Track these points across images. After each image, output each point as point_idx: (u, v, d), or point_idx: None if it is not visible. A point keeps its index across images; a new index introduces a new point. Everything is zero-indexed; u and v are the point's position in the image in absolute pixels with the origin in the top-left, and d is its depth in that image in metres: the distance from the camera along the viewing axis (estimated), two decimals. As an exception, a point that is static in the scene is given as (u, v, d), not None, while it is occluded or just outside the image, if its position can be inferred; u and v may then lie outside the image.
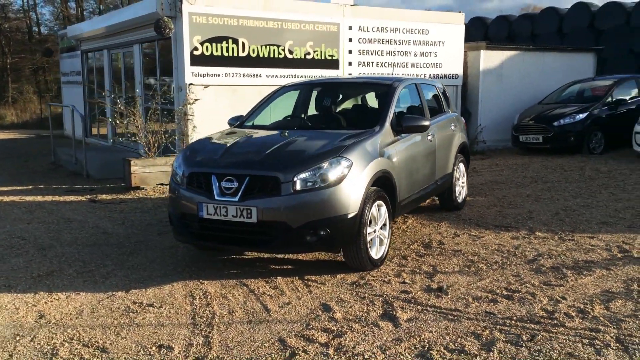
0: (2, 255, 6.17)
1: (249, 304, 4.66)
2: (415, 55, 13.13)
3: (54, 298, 4.88)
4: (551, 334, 3.97)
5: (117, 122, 10.96)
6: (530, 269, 5.38)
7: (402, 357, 3.70)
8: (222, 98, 10.90)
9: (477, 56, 13.85)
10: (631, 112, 12.97)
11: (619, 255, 5.70)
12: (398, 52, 12.88)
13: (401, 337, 3.99)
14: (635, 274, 5.14)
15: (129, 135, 12.41)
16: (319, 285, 5.05)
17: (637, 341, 3.85)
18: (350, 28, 12.22)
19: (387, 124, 5.91)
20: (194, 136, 10.38)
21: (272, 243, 5.05)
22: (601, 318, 4.23)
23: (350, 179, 5.06)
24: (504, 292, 4.79)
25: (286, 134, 5.85)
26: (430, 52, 13.31)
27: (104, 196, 9.34)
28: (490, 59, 13.92)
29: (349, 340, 3.96)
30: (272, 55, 11.37)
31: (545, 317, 4.27)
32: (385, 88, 6.45)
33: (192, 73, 10.64)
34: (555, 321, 4.19)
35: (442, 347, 3.81)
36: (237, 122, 6.77)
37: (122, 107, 10.37)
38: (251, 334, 4.10)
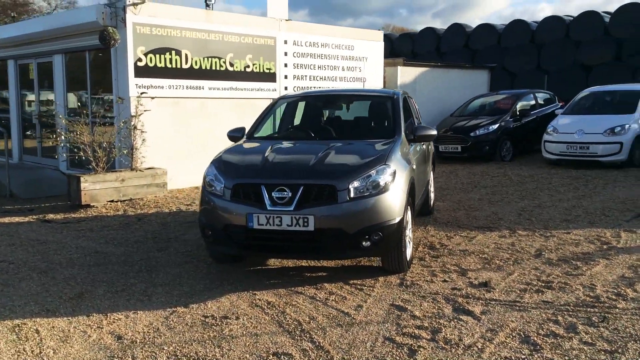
0: (5, 280, 5.71)
1: (322, 310, 4.77)
2: (343, 69, 13.65)
3: (114, 319, 4.66)
4: (614, 315, 4.52)
5: (54, 136, 10.28)
6: (543, 262, 5.98)
7: (509, 344, 4.05)
8: (164, 111, 10.64)
9: (394, 71, 14.67)
10: (532, 123, 14.44)
11: (605, 247, 6.49)
12: (328, 66, 13.32)
13: (492, 328, 4.33)
14: (632, 262, 5.90)
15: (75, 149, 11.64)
16: (370, 289, 5.26)
17: (685, 315, 4.51)
18: (285, 42, 12.46)
19: (403, 134, 6.28)
20: (144, 150, 10.06)
21: (329, 250, 5.19)
22: (638, 297, 4.87)
23: (395, 186, 5.35)
24: (541, 284, 5.30)
25: (318, 144, 6.01)
26: (355, 67, 13.90)
27: (52, 216, 8.78)
28: (406, 74, 14.81)
29: (449, 334, 4.24)
30: (213, 68, 11.31)
31: (594, 301, 4.82)
32: (389, 100, 6.82)
33: (137, 85, 10.30)
34: (607, 304, 4.76)
35: (536, 333, 4.21)
36: (240, 133, 6.77)
37: (65, 121, 9.79)
38: (352, 336, 4.24)
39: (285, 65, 12.50)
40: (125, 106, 10.16)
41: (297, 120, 7.24)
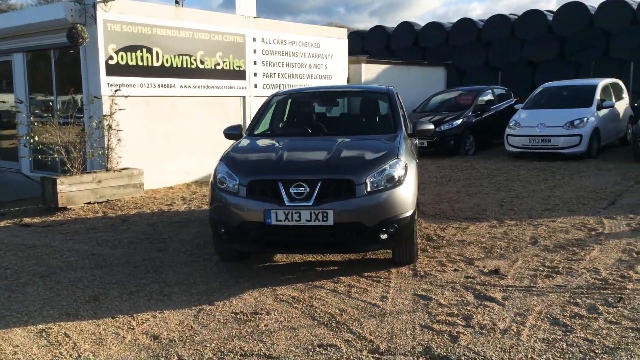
0: (8, 285, 5.51)
1: (348, 302, 4.83)
2: (310, 67, 13.71)
3: (142, 319, 4.59)
4: (628, 295, 4.79)
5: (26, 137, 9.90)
6: (541, 249, 6.24)
7: (542, 327, 4.23)
8: (136, 110, 10.42)
9: (358, 69, 14.84)
10: (491, 118, 14.92)
11: (593, 233, 6.82)
12: (296, 64, 13.35)
13: (519, 312, 4.51)
14: (624, 246, 6.23)
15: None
16: (386, 280, 5.37)
17: (691, 292, 4.83)
18: (254, 40, 12.42)
19: (404, 129, 6.41)
20: (119, 150, 9.83)
21: (349, 243, 5.27)
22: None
23: (408, 179, 5.47)
24: (547, 269, 5.54)
25: (326, 140, 6.07)
26: (321, 65, 13.98)
27: (28, 219, 8.49)
28: (369, 71, 15.01)
29: (481, 320, 4.38)
30: (184, 65, 11.16)
31: (604, 284, 5.08)
32: (385, 95, 6.95)
33: (108, 83, 10.05)
34: (616, 286, 5.03)
35: (562, 315, 4.42)
36: (238, 131, 6.74)
37: (33, 122, 9.47)
38: (389, 325, 4.33)
39: (255, 62, 12.46)
40: (97, 105, 9.89)
41: (295, 117, 7.25)
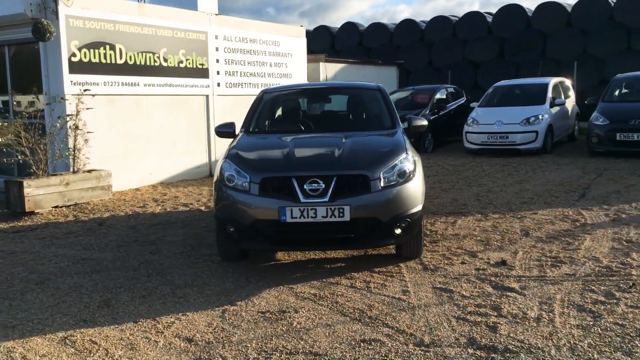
0: (4, 293, 5.20)
1: (371, 297, 4.82)
2: (271, 65, 13.60)
3: (167, 322, 4.43)
4: (636, 281, 5.00)
5: None
6: (536, 240, 6.42)
7: (570, 314, 4.35)
8: (100, 109, 10.02)
9: (317, 67, 14.86)
10: (446, 116, 15.26)
11: (578, 224, 7.09)
12: (257, 62, 13.21)
13: (543, 301, 4.63)
14: (612, 235, 6.51)
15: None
16: (400, 275, 5.39)
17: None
18: (216, 37, 12.21)
19: (401, 125, 6.47)
20: (86, 151, 9.44)
21: (365, 239, 5.26)
22: (643, 266, 5.42)
23: (417, 173, 5.53)
24: (550, 260, 5.71)
25: (330, 136, 6.03)
26: (282, 63, 13.90)
27: (-7, 225, 8.04)
28: (327, 70, 15.05)
29: (511, 309, 4.47)
30: (148, 63, 10.84)
31: (609, 271, 5.29)
32: (377, 91, 6.98)
33: (72, 82, 9.63)
34: (622, 272, 5.24)
35: (584, 302, 4.56)
36: (232, 128, 6.59)
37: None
38: (423, 318, 4.34)
39: (217, 61, 12.25)
40: (60, 105, 9.45)
41: (290, 114, 7.17)
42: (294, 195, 5.13)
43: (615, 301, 4.57)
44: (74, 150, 9.27)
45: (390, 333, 4.11)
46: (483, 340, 3.93)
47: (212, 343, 4.04)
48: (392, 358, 3.74)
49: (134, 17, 10.53)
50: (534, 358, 3.66)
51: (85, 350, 3.97)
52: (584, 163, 11.97)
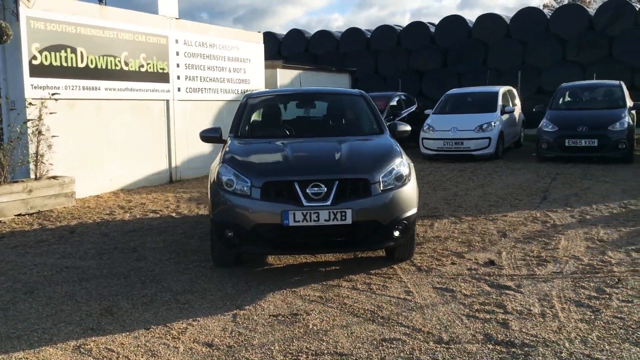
0: (4, 302, 4.99)
1: (378, 298, 4.91)
2: (230, 71, 13.53)
3: (179, 328, 4.38)
4: (622, 275, 5.31)
5: None
6: (515, 241, 6.69)
7: (570, 309, 4.57)
8: (61, 114, 9.69)
9: (274, 74, 14.89)
10: (404, 122, 15.60)
11: (549, 225, 7.43)
12: (216, 67, 13.12)
13: (541, 297, 4.84)
14: (584, 235, 6.86)
15: None
16: (397, 276, 5.50)
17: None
18: (177, 41, 12.05)
19: (387, 129, 6.62)
20: (49, 157, 9.12)
21: (366, 241, 5.35)
22: (619, 260, 5.73)
23: (412, 178, 5.69)
24: (535, 259, 5.97)
25: (324, 141, 6.10)
26: (240, 69, 13.85)
27: (-48, 234, 7.67)
28: (284, 76, 15.11)
29: (515, 306, 4.66)
30: (109, 67, 10.58)
31: (592, 269, 5.58)
32: (361, 97, 7.11)
33: (32, 85, 9.30)
34: (605, 269, 5.54)
35: (580, 298, 4.81)
36: (217, 133, 6.55)
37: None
38: (435, 317, 4.47)
39: (178, 65, 12.09)
40: (18, 109, 9.11)
41: (278, 119, 7.17)
42: (296, 199, 5.17)
43: (607, 296, 4.84)
44: (36, 156, 8.93)
45: (408, 332, 4.21)
46: (499, 336, 4.09)
47: (234, 347, 4.03)
48: (418, 356, 3.83)
49: (95, 20, 10.28)
50: (551, 351, 3.84)
51: (105, 358, 3.88)
52: (536, 168, 12.51)
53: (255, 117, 7.02)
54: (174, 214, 8.78)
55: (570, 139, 12.66)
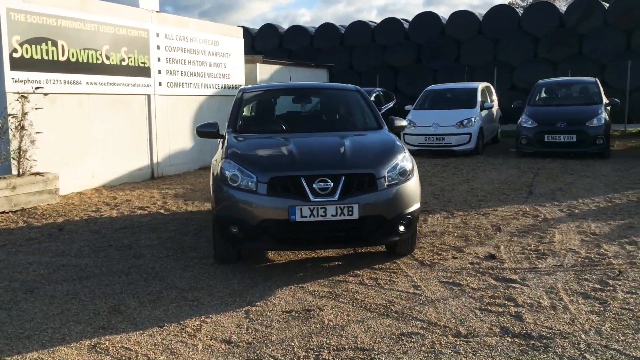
0: (5, 302, 4.85)
1: (387, 293, 4.92)
2: (210, 65, 13.39)
3: (193, 326, 4.32)
4: (621, 268, 5.43)
5: None
6: (510, 235, 6.77)
7: (579, 301, 4.66)
8: (42, 109, 9.43)
9: (254, 68, 14.78)
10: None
11: (540, 219, 7.54)
12: (197, 61, 12.97)
13: (548, 290, 4.91)
14: (576, 228, 6.99)
15: None
16: (401, 271, 5.52)
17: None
18: (157, 35, 11.86)
19: (385, 125, 6.63)
20: (32, 152, 8.89)
21: (372, 236, 5.36)
22: (615, 253, 5.86)
23: (415, 173, 5.71)
24: (533, 252, 6.06)
25: (326, 135, 6.07)
26: (220, 63, 13.71)
27: None
28: (264, 71, 15.02)
29: (524, 300, 4.71)
30: (90, 61, 10.36)
31: (591, 262, 5.68)
32: (357, 92, 7.10)
33: (13, 79, 9.05)
34: (604, 262, 5.65)
35: (585, 290, 4.90)
36: (215, 128, 6.47)
37: None
38: (448, 311, 4.49)
39: (159, 59, 11.91)
40: (0, 104, 8.85)
41: (274, 114, 7.11)
42: (303, 195, 5.15)
43: (611, 288, 4.94)
44: (19, 152, 8.70)
45: (424, 326, 4.23)
46: (515, 329, 4.14)
47: (253, 343, 3.99)
48: (440, 350, 3.85)
49: (76, 12, 10.05)
50: (569, 342, 3.90)
51: (124, 357, 3.80)
52: (517, 163, 12.71)
53: (252, 111, 6.95)
54: (162, 211, 8.65)
55: (549, 135, 12.89)
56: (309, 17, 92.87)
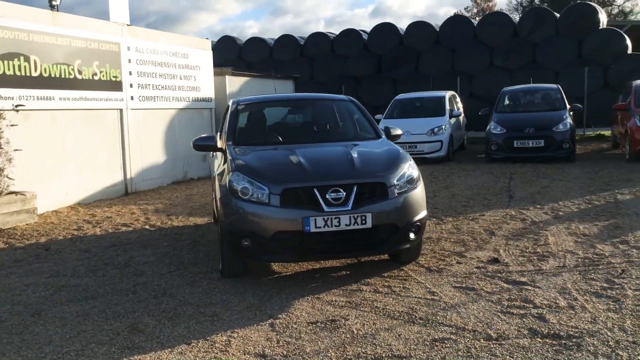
0: (6, 328, 4.65)
1: (406, 300, 4.94)
2: (181, 78, 13.22)
3: (222, 341, 4.25)
4: (621, 266, 5.61)
5: None
6: (506, 239, 6.90)
7: (593, 300, 4.79)
8: (16, 125, 9.12)
9: (223, 81, 14.67)
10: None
11: (529, 222, 7.73)
12: (168, 74, 12.79)
13: (560, 291, 5.03)
14: (566, 230, 7.19)
15: None
16: (411, 278, 5.56)
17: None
18: (129, 49, 11.66)
19: (383, 134, 6.70)
20: (10, 172, 8.59)
21: (385, 244, 5.39)
22: (611, 253, 6.05)
23: (421, 181, 5.79)
24: (533, 255, 6.19)
25: (330, 145, 6.09)
26: (190, 76, 13.57)
27: None
28: (233, 83, 14.93)
29: (541, 301, 4.81)
30: (63, 76, 10.10)
31: (592, 261, 5.85)
32: (351, 103, 7.15)
33: (-15, 95, 8.74)
34: (604, 261, 5.82)
35: (595, 289, 5.04)
36: (213, 142, 6.40)
37: None
38: (472, 315, 4.55)
39: (130, 73, 11.69)
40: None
41: (273, 125, 7.07)
42: (316, 205, 5.14)
43: (619, 287, 5.09)
44: (-4, 170, 8.39)
45: (454, 331, 4.27)
46: (543, 330, 4.22)
47: (290, 356, 3.95)
48: (477, 353, 3.90)
49: (48, 27, 9.78)
50: (598, 340, 4.01)
51: (161, 378, 3.70)
52: (489, 168, 12.99)
53: (248, 123, 6.89)
54: (147, 227, 8.48)
55: (518, 140, 13.24)
56: (256, 29, 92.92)
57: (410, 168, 5.67)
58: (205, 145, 6.43)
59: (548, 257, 6.06)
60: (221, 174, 5.82)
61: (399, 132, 6.90)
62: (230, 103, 7.15)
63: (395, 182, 5.41)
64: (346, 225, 5.15)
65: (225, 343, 4.20)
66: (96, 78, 10.81)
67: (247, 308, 4.91)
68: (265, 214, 5.17)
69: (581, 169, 12.40)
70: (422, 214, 5.61)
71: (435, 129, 14.05)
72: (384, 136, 6.60)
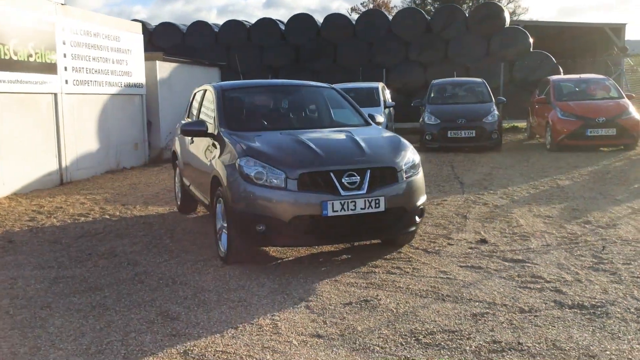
0: (18, 323, 4.34)
1: (422, 280, 5.10)
2: (113, 62, 12.62)
3: (267, 325, 4.21)
4: (599, 244, 6.09)
5: None
6: (480, 221, 7.23)
7: (591, 273, 5.18)
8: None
9: (153, 66, 14.17)
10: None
11: (492, 206, 8.11)
12: (101, 58, 12.18)
13: (558, 266, 5.40)
14: (528, 212, 7.64)
15: None
16: (415, 260, 5.69)
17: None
18: (63, 29, 10.98)
19: (370, 120, 6.83)
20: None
21: (396, 227, 5.53)
22: (582, 232, 6.55)
23: (421, 167, 5.99)
24: (515, 235, 6.55)
25: (332, 131, 6.12)
26: (123, 60, 12.98)
27: None
28: (163, 69, 14.45)
29: (547, 275, 5.15)
30: (-1, 56, 9.38)
31: (570, 240, 6.30)
32: (332, 89, 7.20)
33: None
34: (580, 239, 6.29)
35: (589, 264, 5.43)
36: (204, 127, 6.25)
37: None
38: (494, 292, 4.79)
39: (65, 55, 11.03)
40: None
41: (264, 111, 6.95)
42: (333, 189, 5.18)
43: (608, 259, 5.54)
44: None
45: (487, 306, 4.48)
46: (567, 302, 4.53)
47: (346, 335, 3.99)
48: (520, 325, 4.13)
49: (-18, 2, 9.02)
50: (620, 308, 4.37)
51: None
52: (426, 157, 13.32)
53: (237, 109, 6.75)
54: (107, 217, 8.11)
55: (451, 131, 13.85)
56: (144, 15, 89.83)
57: (412, 154, 5.83)
58: (195, 131, 6.26)
59: (529, 237, 6.44)
60: (225, 159, 5.65)
61: (381, 119, 7.06)
62: (210, 88, 6.96)
63: (403, 166, 5.55)
64: (361, 209, 5.23)
65: (273, 326, 4.17)
66: (31, 60, 10.11)
67: (272, 293, 4.87)
68: (282, 199, 5.14)
69: (511, 157, 13.18)
70: (424, 198, 5.81)
71: (371, 119, 14.32)
72: (372, 123, 6.72)
